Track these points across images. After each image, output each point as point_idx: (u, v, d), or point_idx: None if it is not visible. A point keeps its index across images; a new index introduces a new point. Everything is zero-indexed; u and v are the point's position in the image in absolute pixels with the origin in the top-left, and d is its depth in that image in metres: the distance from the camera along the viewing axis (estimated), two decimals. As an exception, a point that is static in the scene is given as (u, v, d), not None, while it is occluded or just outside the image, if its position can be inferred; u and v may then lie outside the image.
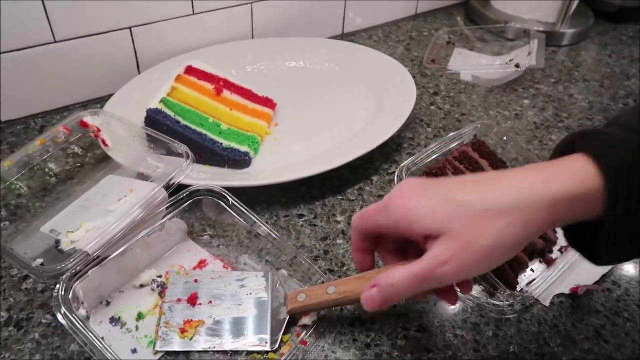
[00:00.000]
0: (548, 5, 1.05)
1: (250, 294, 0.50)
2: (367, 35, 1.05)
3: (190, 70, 0.75)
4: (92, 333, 0.43)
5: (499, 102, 0.87)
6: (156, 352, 0.47)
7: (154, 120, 0.66)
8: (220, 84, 0.75)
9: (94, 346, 0.43)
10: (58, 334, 0.49)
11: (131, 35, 0.80)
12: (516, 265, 0.56)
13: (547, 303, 0.54)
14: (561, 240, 0.60)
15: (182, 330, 0.47)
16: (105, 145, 0.66)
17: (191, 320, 0.48)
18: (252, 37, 0.93)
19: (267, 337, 0.47)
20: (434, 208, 0.38)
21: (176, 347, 0.47)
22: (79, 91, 0.80)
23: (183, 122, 0.68)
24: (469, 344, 0.50)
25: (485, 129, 0.69)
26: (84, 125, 0.65)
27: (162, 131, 0.63)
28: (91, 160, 0.69)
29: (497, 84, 0.91)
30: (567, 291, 0.55)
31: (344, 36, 1.04)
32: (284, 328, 0.47)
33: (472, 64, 0.96)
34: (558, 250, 0.60)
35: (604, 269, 0.58)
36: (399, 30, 1.08)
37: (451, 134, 0.67)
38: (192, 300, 0.50)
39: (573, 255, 0.58)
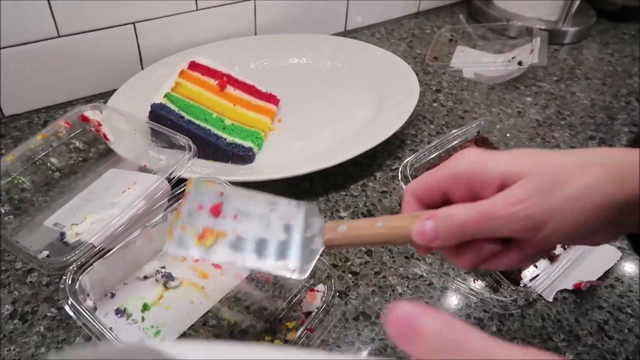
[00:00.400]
0: (550, 3, 1.05)
1: (281, 218, 0.42)
2: (369, 32, 1.05)
3: (194, 65, 0.75)
4: (100, 324, 0.43)
5: (501, 100, 0.87)
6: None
7: (159, 115, 0.66)
8: (224, 80, 0.75)
9: (104, 337, 0.43)
10: (63, 327, 0.49)
11: (135, 30, 0.80)
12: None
13: (550, 298, 0.54)
14: (564, 237, 0.61)
15: (200, 237, 0.41)
16: (107, 139, 0.66)
17: (212, 230, 0.41)
18: (255, 34, 0.94)
19: (297, 264, 0.40)
20: (513, 155, 0.34)
21: (192, 253, 0.40)
22: (82, 86, 0.81)
23: (187, 117, 0.68)
24: (473, 338, 0.50)
25: (488, 125, 0.69)
26: (85, 119, 0.65)
27: (166, 126, 0.63)
28: (94, 154, 0.69)
29: (500, 82, 0.91)
30: (570, 287, 0.55)
31: (346, 33, 1.04)
32: (316, 259, 0.40)
33: (475, 62, 0.96)
34: (561, 246, 0.60)
35: (607, 264, 0.58)
36: (401, 28, 1.08)
37: (454, 130, 0.67)
38: (216, 211, 0.42)
39: (576, 251, 0.58)
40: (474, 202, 0.34)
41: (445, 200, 0.37)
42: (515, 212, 0.32)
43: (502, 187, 0.33)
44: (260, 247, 0.41)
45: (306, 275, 0.39)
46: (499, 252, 0.35)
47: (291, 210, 0.43)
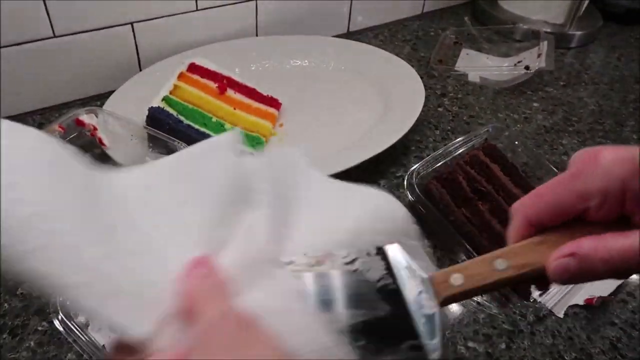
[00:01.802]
0: (557, 6, 1.03)
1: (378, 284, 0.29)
2: (372, 34, 1.03)
3: (193, 68, 0.73)
4: (92, 341, 0.41)
5: (507, 105, 0.86)
6: None
7: (156, 119, 0.64)
8: (224, 83, 0.73)
9: (95, 354, 0.41)
10: (54, 342, 0.47)
11: (133, 31, 0.78)
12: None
13: (561, 314, 0.52)
14: (575, 249, 0.59)
15: None
16: (103, 144, 0.64)
17: None
18: (257, 35, 0.92)
19: (422, 343, 0.28)
20: None
21: None
22: (78, 88, 0.78)
23: (186, 121, 0.66)
24: (482, 357, 0.49)
25: (495, 132, 0.68)
26: (80, 124, 0.63)
27: (164, 130, 0.61)
28: (89, 160, 0.67)
29: (506, 86, 0.89)
30: (581, 302, 0.53)
31: (349, 35, 1.02)
32: (439, 329, 0.28)
33: (480, 65, 0.94)
34: (571, 259, 0.58)
35: (619, 279, 0.56)
36: (405, 30, 1.06)
37: (461, 137, 0.65)
38: None
39: (587, 264, 0.56)
40: (616, 217, 0.29)
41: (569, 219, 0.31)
42: None
43: None
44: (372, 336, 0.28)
45: (440, 356, 0.28)
46: None
47: (376, 265, 0.30)
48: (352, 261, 0.30)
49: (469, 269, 0.30)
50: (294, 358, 0.25)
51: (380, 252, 0.31)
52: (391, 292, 0.29)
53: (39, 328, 0.48)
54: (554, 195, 0.30)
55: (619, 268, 0.28)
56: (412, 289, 0.29)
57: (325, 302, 0.28)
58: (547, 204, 0.30)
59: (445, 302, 0.30)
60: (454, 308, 0.53)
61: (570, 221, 0.30)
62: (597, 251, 0.28)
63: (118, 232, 0.28)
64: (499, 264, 0.30)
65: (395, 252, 0.31)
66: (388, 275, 0.30)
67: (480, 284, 0.30)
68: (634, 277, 0.57)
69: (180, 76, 0.71)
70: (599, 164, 0.29)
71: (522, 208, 0.31)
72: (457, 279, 0.30)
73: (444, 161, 0.63)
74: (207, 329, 0.25)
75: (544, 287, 0.34)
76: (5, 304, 0.50)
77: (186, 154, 0.32)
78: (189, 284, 0.27)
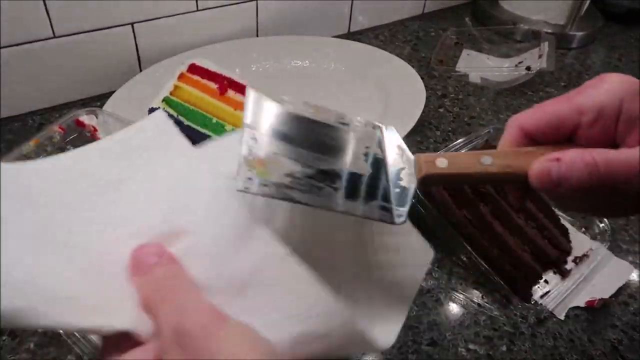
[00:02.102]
0: (558, 6, 1.03)
1: (360, 141, 0.33)
2: (373, 34, 1.03)
3: (193, 68, 0.72)
4: (92, 342, 0.41)
5: (508, 106, 0.85)
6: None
7: (156, 120, 0.64)
8: (225, 83, 0.73)
9: (95, 356, 0.41)
10: (54, 343, 0.47)
11: (133, 31, 0.78)
12: (530, 276, 0.55)
13: (562, 316, 0.52)
14: (576, 251, 0.59)
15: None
16: (104, 145, 0.63)
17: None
18: (257, 35, 0.91)
19: (391, 206, 0.31)
20: None
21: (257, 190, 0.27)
22: (78, 88, 0.78)
23: (186, 122, 0.66)
24: (482, 359, 0.48)
25: (496, 133, 0.67)
26: (80, 124, 0.63)
27: (165, 132, 0.61)
28: None
29: (507, 87, 0.89)
30: (582, 304, 0.53)
31: (349, 35, 1.02)
32: (411, 200, 0.31)
33: (481, 66, 0.94)
34: (572, 261, 0.58)
35: (620, 280, 0.56)
36: (405, 30, 1.06)
37: (462, 138, 0.65)
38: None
39: (588, 266, 0.56)
40: (604, 145, 0.29)
41: (565, 137, 0.31)
42: None
43: None
44: (347, 182, 0.30)
45: (403, 222, 0.30)
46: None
47: (367, 132, 0.33)
48: (347, 123, 0.34)
49: (455, 157, 0.32)
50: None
51: (377, 128, 0.34)
52: (377, 160, 0.32)
53: (39, 329, 0.48)
54: (553, 106, 0.31)
55: (603, 179, 0.27)
56: (396, 164, 0.32)
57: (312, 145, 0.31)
58: (546, 113, 0.31)
59: (426, 180, 0.32)
60: (455, 310, 0.53)
61: (561, 143, 0.31)
62: (583, 157, 0.28)
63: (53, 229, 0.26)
64: (485, 159, 0.32)
65: (391, 133, 0.33)
66: (378, 147, 0.33)
67: (463, 171, 0.32)
68: (635, 278, 0.57)
69: (181, 77, 0.71)
70: (604, 81, 0.30)
71: (519, 118, 0.32)
72: (442, 162, 0.32)
73: (444, 162, 0.62)
74: (167, 346, 0.23)
75: (523, 196, 0.35)
76: (5, 306, 0.50)
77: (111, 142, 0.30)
78: (141, 283, 0.25)
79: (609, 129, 0.30)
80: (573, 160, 0.28)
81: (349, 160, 0.31)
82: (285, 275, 0.26)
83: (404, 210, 0.30)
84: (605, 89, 0.29)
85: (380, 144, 0.33)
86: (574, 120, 0.30)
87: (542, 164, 0.29)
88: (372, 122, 0.34)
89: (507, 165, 0.31)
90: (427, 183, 0.32)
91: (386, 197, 0.31)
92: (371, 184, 0.31)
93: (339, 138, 0.32)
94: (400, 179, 0.32)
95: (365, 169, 0.31)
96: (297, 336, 0.25)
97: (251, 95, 0.31)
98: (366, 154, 0.32)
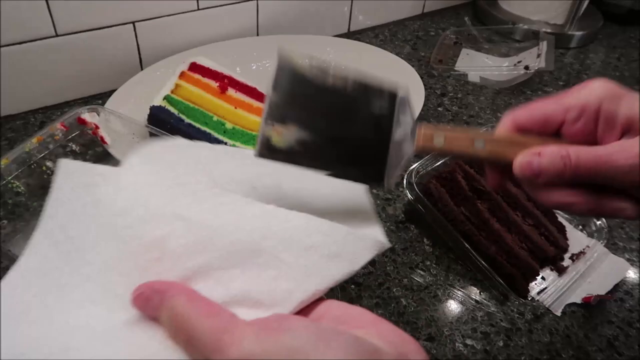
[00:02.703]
0: (557, 6, 1.03)
1: (373, 112, 0.34)
2: (373, 34, 1.04)
3: (194, 67, 0.73)
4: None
5: (507, 105, 0.86)
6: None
7: (158, 118, 0.65)
8: (225, 82, 0.73)
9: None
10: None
11: (134, 30, 0.78)
12: (527, 273, 0.55)
13: (558, 313, 0.53)
14: (573, 248, 0.59)
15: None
16: (104, 142, 0.64)
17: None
18: (258, 34, 0.92)
19: (384, 170, 0.34)
20: None
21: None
22: (80, 87, 0.79)
23: (187, 120, 0.66)
24: (479, 354, 0.49)
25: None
26: (81, 122, 0.64)
27: (166, 129, 0.61)
28: (91, 158, 0.67)
29: (505, 86, 0.90)
30: (579, 301, 0.54)
31: (349, 34, 1.03)
32: (402, 167, 0.35)
33: (480, 65, 0.95)
34: (569, 258, 0.58)
35: (617, 277, 0.56)
36: (405, 30, 1.07)
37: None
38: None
39: (585, 263, 0.57)
40: (587, 142, 0.33)
41: (550, 133, 0.35)
42: (630, 165, 0.30)
43: (625, 132, 0.32)
44: (348, 145, 0.34)
45: (391, 187, 0.34)
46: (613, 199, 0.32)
47: (383, 96, 0.35)
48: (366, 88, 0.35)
49: (453, 136, 0.36)
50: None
51: (392, 96, 0.35)
52: (383, 126, 0.35)
53: None
54: (543, 104, 0.35)
55: (574, 171, 0.31)
56: (400, 134, 0.35)
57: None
58: (536, 109, 0.35)
59: (422, 151, 0.36)
60: (453, 306, 0.53)
61: (549, 137, 0.34)
62: (560, 150, 0.32)
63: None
64: (478, 142, 0.35)
65: (404, 102, 0.35)
66: (389, 113, 0.35)
67: (456, 151, 0.36)
68: (632, 275, 0.57)
69: (182, 75, 0.72)
70: (589, 85, 0.33)
71: (512, 113, 0.36)
72: (439, 140, 0.36)
73: (443, 160, 0.63)
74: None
75: (501, 181, 0.37)
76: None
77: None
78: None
79: (590, 127, 0.33)
80: (552, 153, 0.32)
81: (359, 126, 0.34)
82: (285, 225, 0.29)
83: (393, 177, 0.35)
84: (587, 91, 0.33)
85: (392, 109, 0.35)
86: (560, 117, 0.34)
87: (525, 157, 0.33)
88: (391, 85, 0.35)
89: (496, 152, 0.35)
90: (422, 152, 0.36)
91: (383, 161, 0.34)
92: (372, 148, 0.34)
93: (354, 102, 0.35)
94: (401, 148, 0.35)
95: (372, 134, 0.34)
96: (319, 265, 0.28)
97: (281, 56, 0.34)
98: (377, 120, 0.34)
